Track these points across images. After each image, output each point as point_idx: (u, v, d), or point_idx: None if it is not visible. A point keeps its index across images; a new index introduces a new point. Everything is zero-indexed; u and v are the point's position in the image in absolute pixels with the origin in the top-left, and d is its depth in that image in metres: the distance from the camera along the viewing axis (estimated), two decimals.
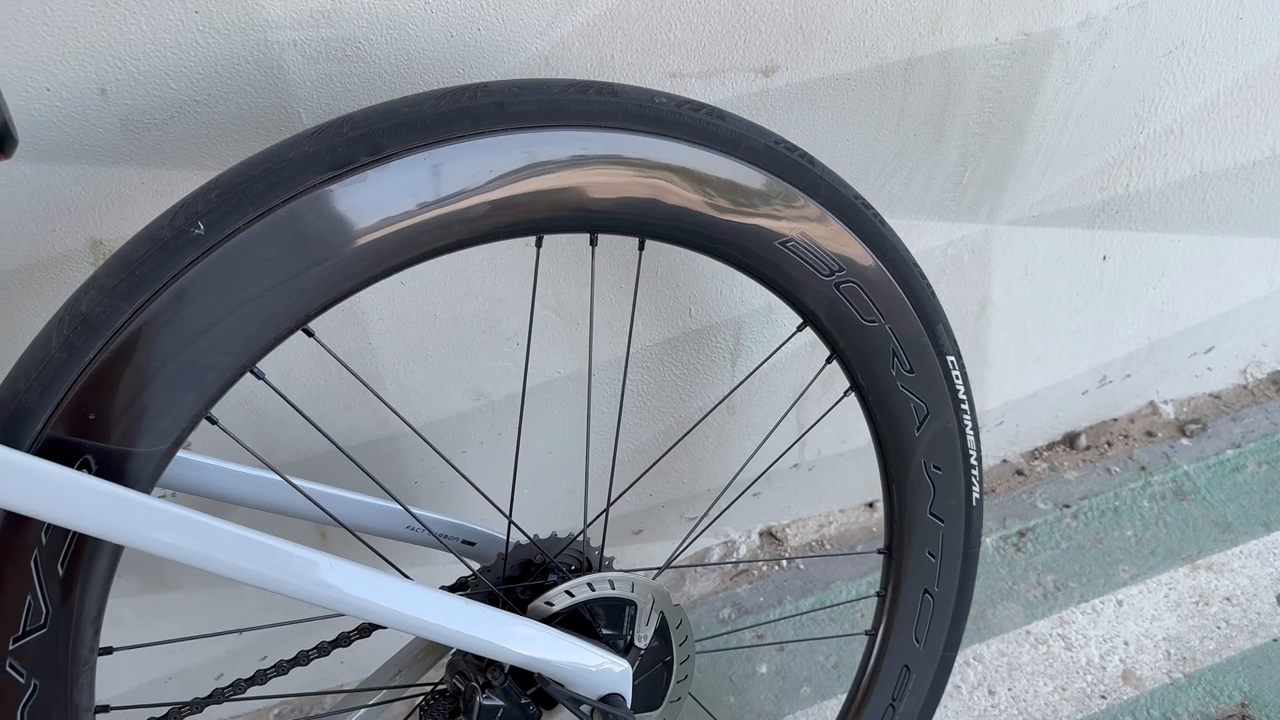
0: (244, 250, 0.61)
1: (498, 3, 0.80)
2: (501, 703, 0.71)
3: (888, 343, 0.84)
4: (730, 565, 1.32)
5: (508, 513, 0.78)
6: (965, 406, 0.89)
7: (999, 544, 1.34)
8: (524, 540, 0.80)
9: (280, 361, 0.91)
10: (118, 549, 0.63)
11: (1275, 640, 1.21)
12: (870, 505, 1.40)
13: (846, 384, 0.87)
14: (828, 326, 0.82)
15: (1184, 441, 1.46)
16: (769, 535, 1.36)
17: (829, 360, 0.85)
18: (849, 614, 1.27)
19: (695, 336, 1.09)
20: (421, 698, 0.74)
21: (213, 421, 0.64)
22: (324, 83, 0.79)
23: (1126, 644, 1.22)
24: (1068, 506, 1.38)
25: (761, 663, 1.22)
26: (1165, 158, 1.19)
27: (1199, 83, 1.13)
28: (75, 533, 0.61)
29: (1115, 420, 1.49)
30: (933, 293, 0.85)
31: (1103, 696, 1.17)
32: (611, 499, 0.82)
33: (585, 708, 0.70)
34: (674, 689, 0.79)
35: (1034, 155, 1.10)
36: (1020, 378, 1.32)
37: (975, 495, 0.93)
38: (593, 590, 0.73)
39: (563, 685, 0.69)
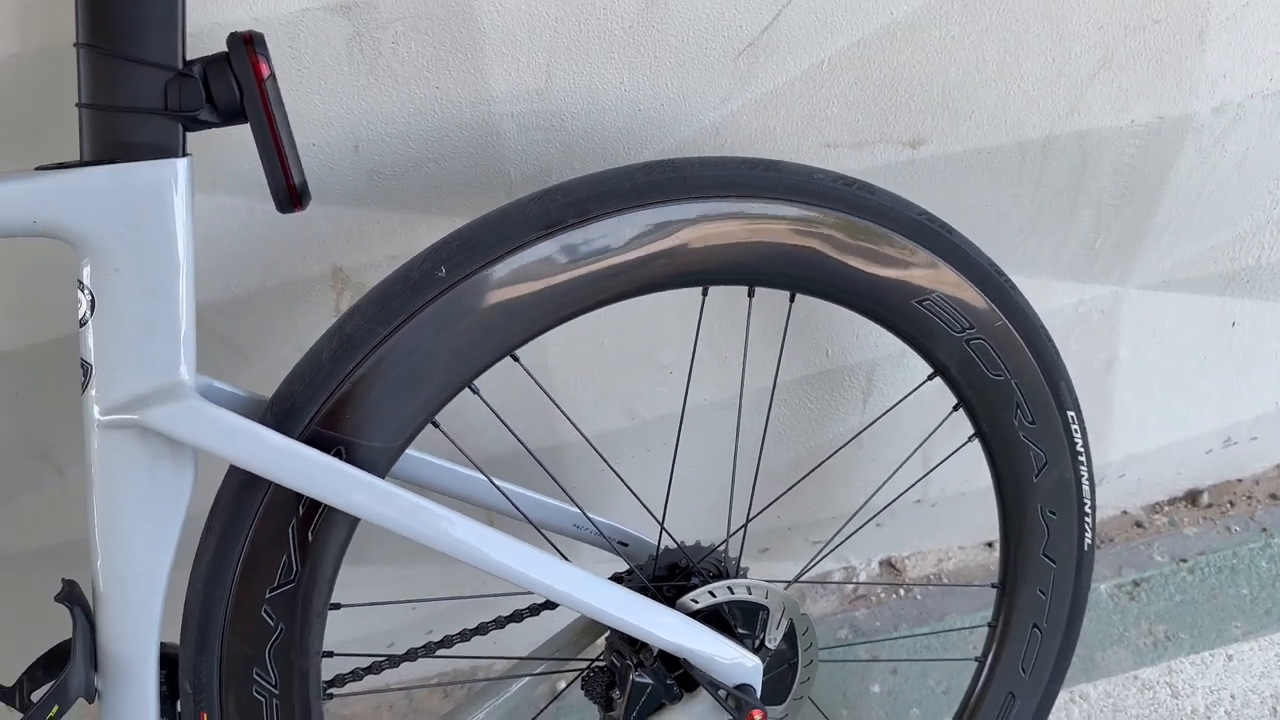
0: (474, 290, 0.75)
1: (679, 84, 0.93)
2: (650, 681, 0.83)
3: (1012, 396, 0.93)
4: (850, 589, 1.42)
5: (661, 520, 0.90)
6: (1082, 458, 0.97)
7: (1113, 591, 1.39)
8: (671, 546, 0.92)
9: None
10: (355, 522, 0.78)
11: None
12: (989, 545, 1.47)
13: (963, 444, 0.96)
14: (956, 378, 0.92)
15: None
16: (888, 565, 1.45)
17: (955, 409, 0.95)
18: (961, 643, 1.34)
19: (830, 376, 1.19)
20: (582, 671, 0.87)
21: (436, 425, 0.79)
22: (531, 148, 0.93)
23: (1233, 697, 1.26)
24: (1184, 560, 1.42)
25: (875, 683, 1.31)
26: None
27: None
28: (324, 506, 0.76)
29: (1240, 481, 1.52)
30: (1057, 352, 0.93)
31: None
32: (750, 515, 0.94)
33: (722, 692, 0.82)
34: (797, 689, 0.90)
35: (1165, 226, 1.17)
36: (1143, 434, 1.37)
37: (1087, 541, 1.00)
38: (732, 593, 0.85)
39: (704, 671, 0.81)
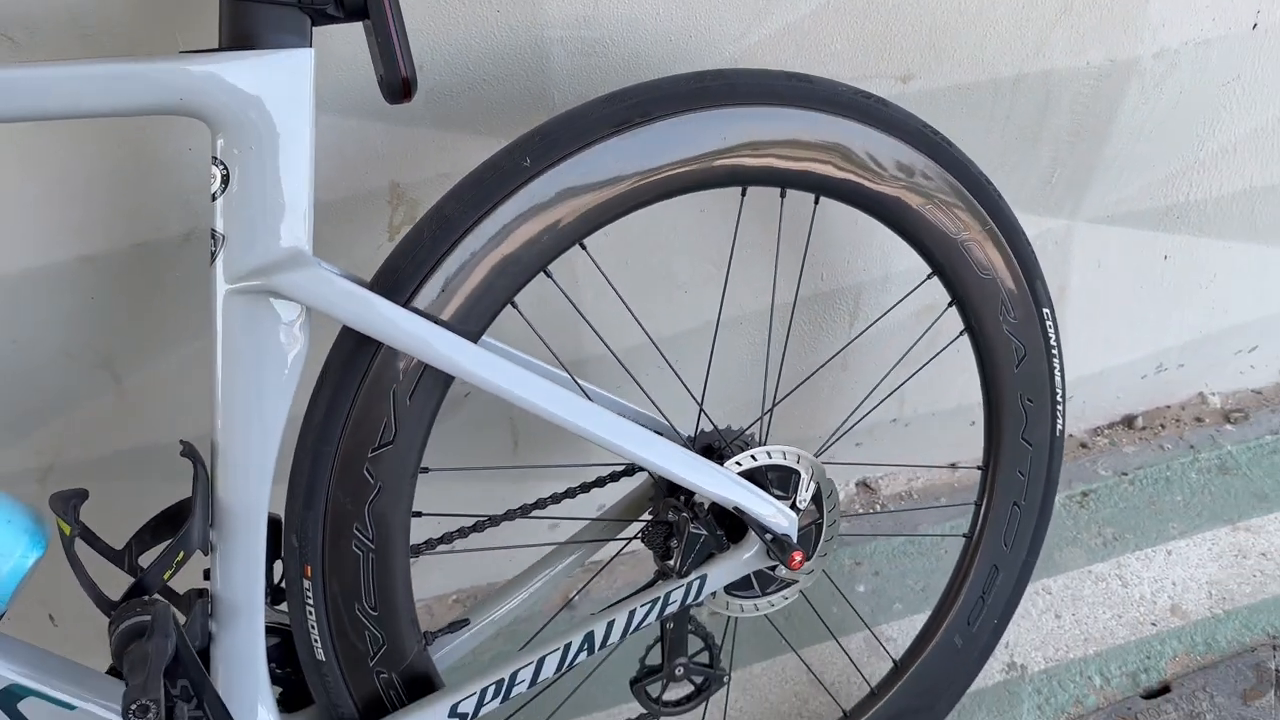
0: (554, 179, 0.85)
1: (707, 18, 1.04)
2: (704, 532, 0.94)
3: (998, 293, 1.06)
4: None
5: (700, 402, 1.01)
6: (1055, 351, 1.11)
7: (1065, 501, 1.55)
8: (707, 429, 1.03)
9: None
10: (445, 389, 0.87)
11: None
12: (953, 466, 1.61)
13: (946, 345, 1.09)
14: (951, 276, 1.05)
15: (1228, 427, 1.66)
16: (864, 485, 1.58)
17: (949, 305, 1.08)
18: (933, 548, 1.48)
19: (823, 298, 1.32)
20: (646, 524, 0.97)
21: (515, 306, 0.88)
22: (575, 73, 1.03)
23: (1174, 584, 1.42)
24: (1125, 474, 1.58)
25: (860, 584, 1.44)
26: (1220, 173, 1.41)
27: (1252, 111, 1.35)
28: (422, 371, 0.84)
29: (1169, 407, 1.69)
30: (1035, 255, 1.07)
31: (1153, 624, 1.37)
32: (776, 400, 1.05)
33: (768, 536, 0.93)
34: (823, 545, 1.01)
35: (1111, 162, 1.33)
36: (1089, 356, 1.54)
37: (1059, 427, 1.14)
38: (770, 458, 0.96)
39: (755, 518, 0.92)
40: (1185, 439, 1.64)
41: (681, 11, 1.03)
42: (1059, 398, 1.13)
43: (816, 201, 0.99)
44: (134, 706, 0.68)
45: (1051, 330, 1.10)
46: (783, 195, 0.97)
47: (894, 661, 1.18)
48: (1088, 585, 1.43)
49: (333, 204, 1.05)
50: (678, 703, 1.10)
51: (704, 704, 1.11)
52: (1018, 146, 1.26)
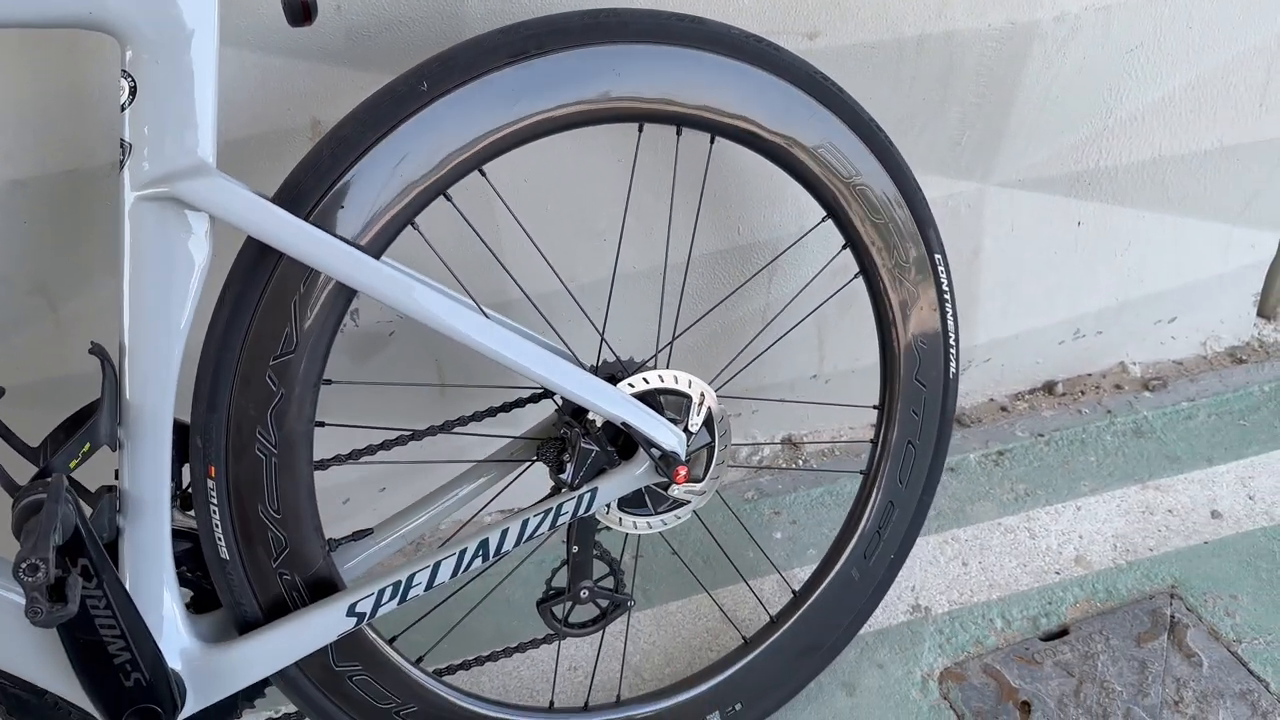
0: (451, 104, 0.90)
1: None
2: (595, 448, 0.99)
3: (890, 237, 1.12)
4: (756, 460, 1.60)
5: (601, 331, 1.07)
6: (948, 296, 1.17)
7: (980, 460, 1.60)
8: (609, 359, 1.08)
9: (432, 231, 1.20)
10: (348, 302, 0.92)
11: (1205, 543, 1.46)
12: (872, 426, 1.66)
13: (843, 285, 1.14)
14: (844, 219, 1.10)
15: (1146, 394, 1.72)
16: (789, 441, 1.64)
17: (843, 249, 1.13)
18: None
19: (741, 251, 1.37)
20: (540, 442, 1.03)
21: (415, 228, 0.93)
22: (489, 15, 1.09)
23: (1081, 537, 1.48)
24: (1042, 435, 1.64)
25: (777, 531, 1.49)
26: (1129, 141, 1.47)
27: (1157, 79, 1.41)
28: (321, 282, 0.89)
29: (1089, 375, 1.75)
30: (926, 202, 1.13)
31: (1057, 573, 1.43)
32: (676, 335, 1.11)
33: (655, 451, 0.98)
34: (714, 469, 1.07)
35: (1019, 127, 1.39)
36: (1005, 319, 1.59)
37: (952, 370, 1.20)
38: (661, 381, 1.02)
39: (642, 433, 0.98)
40: (1103, 405, 1.70)
41: None
42: (952, 341, 1.19)
43: (712, 141, 1.04)
44: (24, 565, 0.72)
45: (944, 275, 1.16)
46: (679, 134, 1.03)
47: (793, 591, 1.23)
48: (996, 536, 1.48)
49: (256, 138, 1.10)
50: (582, 625, 1.15)
51: (604, 629, 1.16)
52: (925, 108, 1.32)
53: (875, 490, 1.22)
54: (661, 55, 0.96)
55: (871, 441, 1.22)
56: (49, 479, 0.82)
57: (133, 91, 0.80)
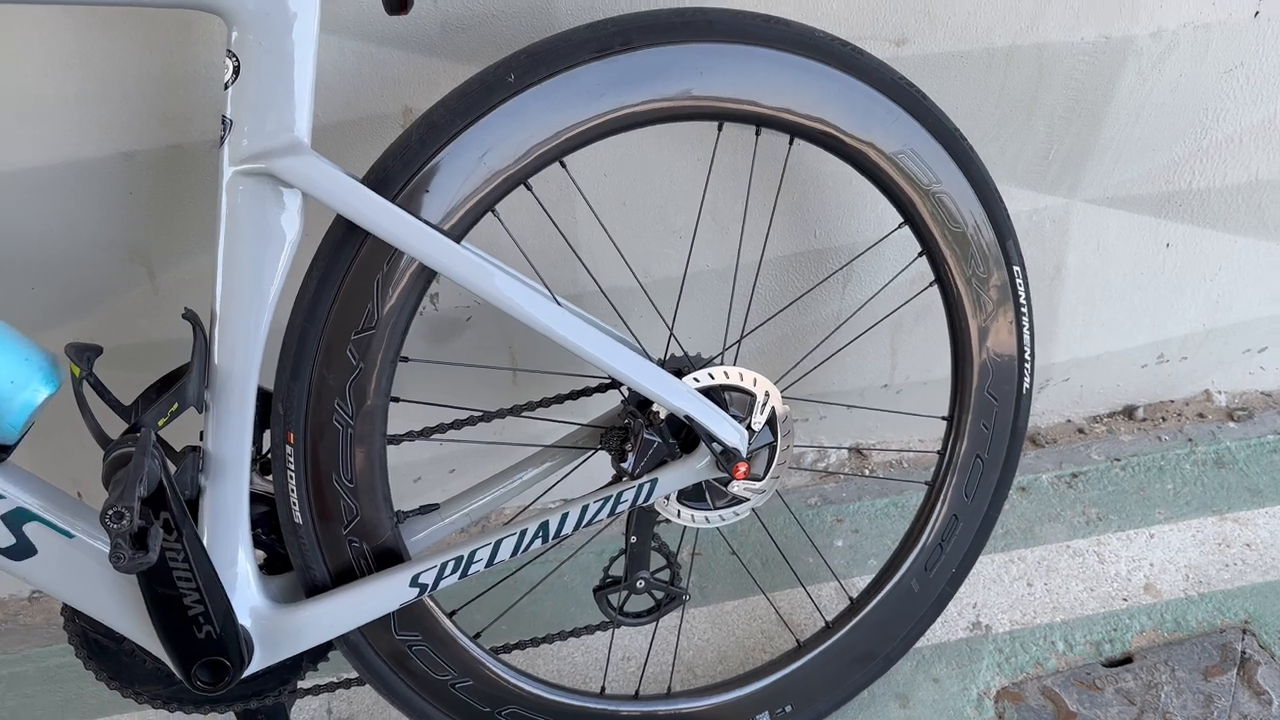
0: (536, 96, 0.93)
1: None
2: (657, 439, 1.01)
3: (968, 246, 1.11)
4: (821, 467, 1.59)
5: (670, 326, 1.08)
6: (1025, 310, 1.15)
7: (1053, 480, 1.57)
8: (677, 354, 1.10)
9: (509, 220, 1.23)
10: (427, 284, 0.95)
11: None
12: (914, 415, 1.64)
13: (918, 293, 1.13)
14: (922, 227, 1.10)
15: (1230, 424, 1.67)
16: (855, 451, 1.63)
17: (919, 256, 1.13)
18: None
19: (816, 255, 1.37)
20: (603, 431, 1.04)
21: (495, 215, 0.96)
22: (579, 11, 1.11)
23: (1152, 565, 1.44)
24: (1118, 460, 1.60)
25: (839, 539, 1.49)
26: (1225, 163, 1.43)
27: (1257, 101, 1.37)
28: (404, 265, 0.92)
29: (1172, 401, 1.71)
30: (1008, 214, 1.11)
31: (1124, 600, 1.40)
32: (744, 333, 1.12)
33: (716, 446, 0.99)
34: (775, 469, 1.07)
35: (1109, 143, 1.36)
36: (1086, 338, 1.56)
37: (1026, 385, 1.18)
38: (726, 378, 1.03)
39: (705, 427, 0.99)
40: (1184, 433, 1.65)
41: None
42: (1026, 356, 1.17)
43: (791, 143, 1.05)
44: (110, 512, 0.77)
45: (1022, 288, 1.14)
46: (757, 134, 1.04)
47: (850, 599, 1.23)
48: (1064, 559, 1.45)
49: (350, 123, 1.14)
50: (637, 615, 1.17)
51: (658, 620, 1.18)
52: (1012, 120, 1.30)
53: (940, 502, 1.21)
54: (745, 55, 0.97)
55: (938, 453, 1.21)
56: (138, 434, 0.87)
57: (236, 71, 0.84)
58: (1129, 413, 1.69)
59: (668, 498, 1.05)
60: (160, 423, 0.88)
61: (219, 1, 0.82)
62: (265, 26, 0.83)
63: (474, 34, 1.11)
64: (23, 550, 0.89)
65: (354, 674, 1.09)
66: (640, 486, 1.01)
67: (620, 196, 1.27)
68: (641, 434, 1.00)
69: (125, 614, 0.94)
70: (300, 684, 1.09)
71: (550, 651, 1.33)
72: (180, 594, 0.90)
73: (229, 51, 0.84)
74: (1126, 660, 1.33)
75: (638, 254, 1.31)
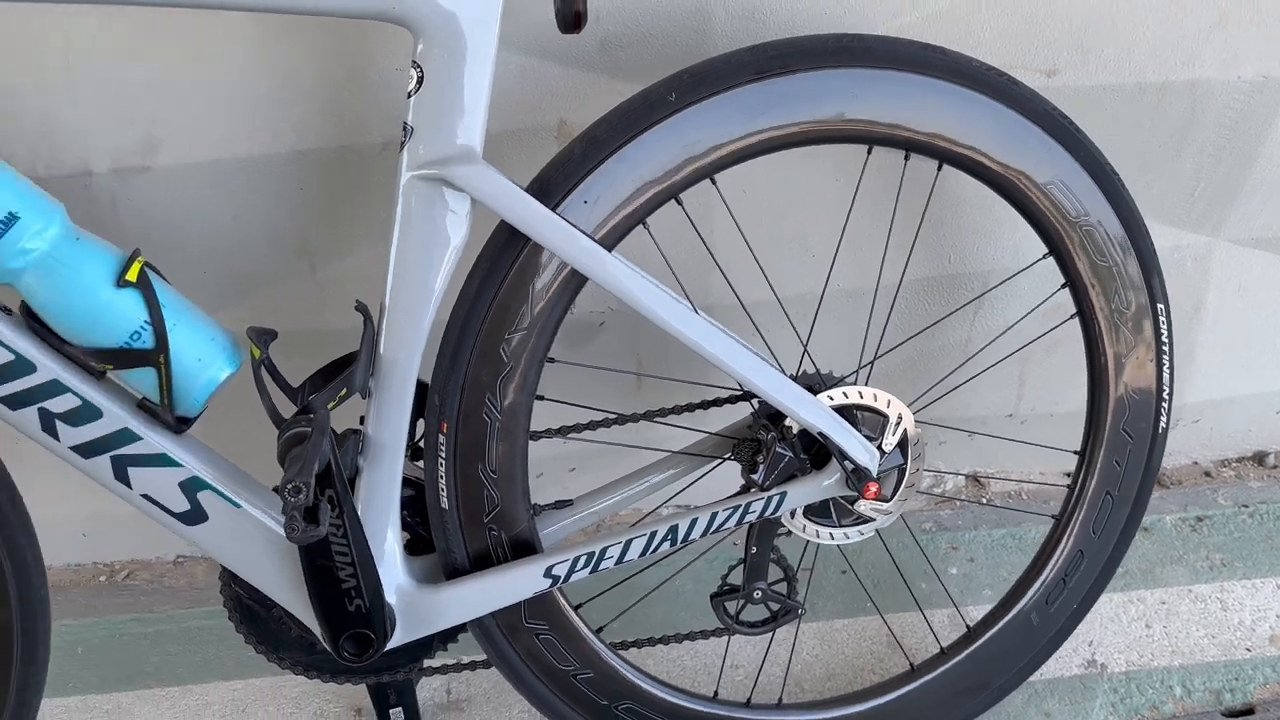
0: (695, 115, 0.96)
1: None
2: (788, 453, 1.03)
3: (1113, 281, 1.10)
4: (938, 492, 1.59)
5: (805, 343, 1.10)
6: (1167, 348, 1.14)
7: (1177, 523, 1.54)
8: (810, 370, 1.12)
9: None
10: (577, 289, 0.99)
11: None
12: (1067, 475, 1.62)
13: (1056, 325, 1.12)
14: (1067, 258, 1.09)
15: None
16: (973, 479, 1.62)
17: (1060, 288, 1.12)
18: (1034, 548, 1.50)
19: (949, 281, 1.38)
20: (736, 442, 1.07)
21: (646, 228, 1.00)
22: (733, 34, 1.15)
23: (1278, 616, 1.40)
24: (1246, 506, 1.56)
25: (953, 566, 1.48)
26: None
27: None
28: (557, 270, 0.97)
29: None
30: (1154, 250, 1.10)
31: (1248, 649, 1.36)
32: (878, 354, 1.13)
33: (849, 465, 1.01)
34: (903, 491, 1.08)
35: (1259, 184, 1.33)
36: (1220, 381, 1.53)
37: (1163, 424, 1.17)
38: (860, 398, 1.04)
39: (837, 445, 1.01)
40: None
41: None
42: (1165, 395, 1.16)
43: (939, 169, 1.06)
44: (289, 487, 0.83)
45: (1164, 327, 1.13)
46: (906, 159, 1.05)
47: (967, 626, 1.23)
48: (1185, 603, 1.42)
49: (507, 133, 1.19)
50: (752, 624, 1.19)
51: (773, 632, 1.20)
52: (1160, 155, 1.29)
53: (1066, 536, 1.20)
54: (900, 81, 0.99)
55: (1068, 487, 1.20)
56: (310, 415, 0.93)
57: (420, 81, 0.90)
58: (1259, 459, 1.64)
59: (793, 512, 1.07)
60: (329, 406, 0.94)
61: (410, 16, 0.88)
62: (450, 42, 0.88)
63: (630, 52, 1.15)
64: (195, 516, 0.96)
65: (474, 657, 1.14)
66: (770, 498, 1.04)
67: (758, 213, 1.29)
68: (774, 447, 1.03)
69: (281, 583, 1.00)
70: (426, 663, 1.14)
71: (660, 653, 1.36)
72: (337, 567, 0.96)
73: (414, 62, 0.90)
74: (1248, 712, 1.30)
75: (770, 270, 1.33)
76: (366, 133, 1.17)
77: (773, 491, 1.04)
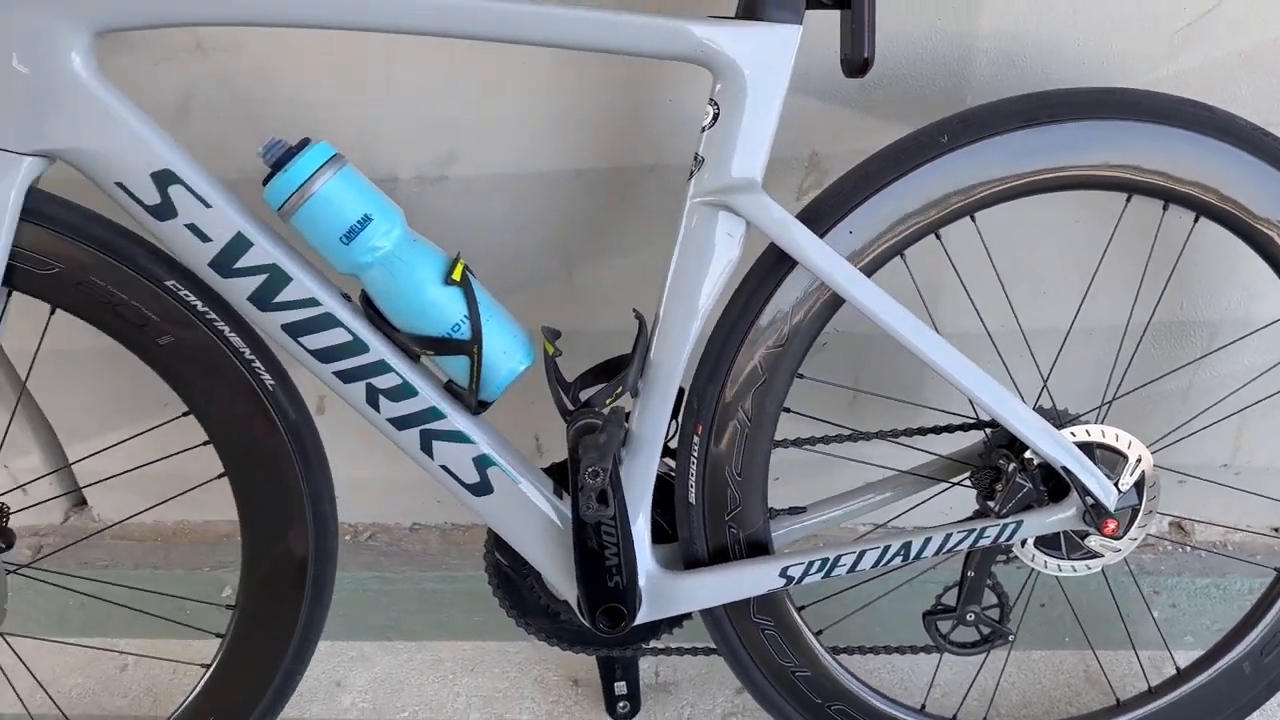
0: (965, 156, 1.02)
1: (1120, 50, 1.17)
2: (1028, 484, 1.08)
3: None
4: None
5: (1044, 380, 1.15)
6: None
7: None
8: (1047, 407, 1.16)
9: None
10: (832, 313, 1.07)
11: None
12: (1276, 530, 1.60)
13: None
14: None
15: None
16: (1178, 526, 1.61)
17: None
18: (1240, 599, 1.49)
19: (1177, 326, 1.39)
20: (977, 467, 1.13)
21: (903, 259, 1.07)
22: (992, 81, 1.20)
23: None
24: None
25: (1155, 610, 1.49)
26: None
27: None
28: (818, 293, 1.05)
29: None
30: None
31: None
32: (1117, 394, 1.17)
33: (1089, 500, 1.05)
34: (1134, 530, 1.12)
35: None
36: None
37: None
38: (1103, 437, 1.08)
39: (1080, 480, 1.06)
40: None
41: (1100, 42, 1.17)
42: None
43: (1195, 220, 1.09)
44: (589, 470, 0.94)
45: None
46: (1165, 209, 1.08)
47: (1177, 668, 1.25)
48: None
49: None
50: (961, 645, 1.24)
51: (984, 655, 1.24)
52: None
53: None
54: (1165, 135, 1.03)
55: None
56: (590, 408, 1.04)
57: (715, 117, 1.00)
58: None
59: (1024, 541, 1.12)
60: (606, 402, 1.05)
61: (715, 61, 0.97)
62: (748, 83, 0.98)
63: (887, 91, 1.22)
64: (483, 489, 1.09)
65: (681, 644, 1.23)
66: (1005, 525, 1.09)
67: (992, 248, 1.34)
68: (1015, 477, 1.08)
69: (547, 555, 1.12)
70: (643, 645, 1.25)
71: (860, 662, 1.42)
72: (604, 546, 1.06)
73: (711, 100, 1.00)
74: None
75: (1000, 305, 1.37)
76: (637, 156, 1.28)
77: (1009, 520, 1.09)
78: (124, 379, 1.46)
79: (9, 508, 1.08)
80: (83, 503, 1.67)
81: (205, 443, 1.09)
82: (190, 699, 1.19)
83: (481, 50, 1.21)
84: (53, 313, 1.02)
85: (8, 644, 1.14)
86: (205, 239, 0.96)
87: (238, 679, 1.18)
